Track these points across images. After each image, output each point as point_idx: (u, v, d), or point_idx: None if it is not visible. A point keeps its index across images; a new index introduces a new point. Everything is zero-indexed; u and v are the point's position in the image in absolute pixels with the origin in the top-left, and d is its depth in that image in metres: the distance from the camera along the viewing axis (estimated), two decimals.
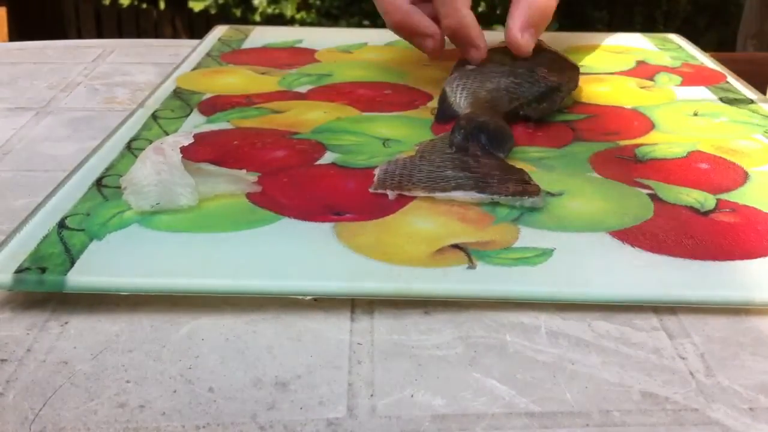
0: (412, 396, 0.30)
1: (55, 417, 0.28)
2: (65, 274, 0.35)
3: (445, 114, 0.53)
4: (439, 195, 0.42)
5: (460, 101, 0.53)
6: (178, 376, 0.31)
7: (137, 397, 0.29)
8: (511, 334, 0.33)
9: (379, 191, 0.42)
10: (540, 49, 0.59)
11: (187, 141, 0.42)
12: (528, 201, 0.41)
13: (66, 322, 0.34)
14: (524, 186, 0.42)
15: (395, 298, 0.35)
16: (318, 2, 3.35)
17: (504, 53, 0.58)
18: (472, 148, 0.46)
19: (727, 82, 0.62)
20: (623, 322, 0.34)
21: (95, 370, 0.31)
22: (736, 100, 0.58)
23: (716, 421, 0.29)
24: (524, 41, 0.56)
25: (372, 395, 0.30)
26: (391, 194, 0.42)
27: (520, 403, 0.29)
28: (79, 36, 3.64)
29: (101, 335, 0.33)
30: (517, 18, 0.56)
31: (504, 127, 0.49)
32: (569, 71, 0.57)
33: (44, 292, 0.35)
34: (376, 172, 0.44)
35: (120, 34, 3.78)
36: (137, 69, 0.69)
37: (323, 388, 0.30)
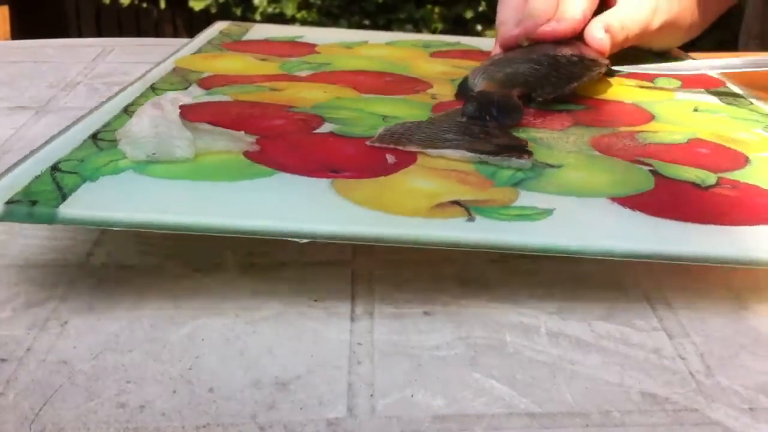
0: (412, 396, 0.30)
1: (55, 417, 0.28)
2: (56, 207, 0.34)
3: (461, 93, 0.55)
4: (431, 151, 0.43)
5: (477, 81, 0.55)
6: (178, 377, 0.31)
7: (137, 397, 0.29)
8: (511, 334, 0.33)
9: (376, 144, 0.43)
10: (571, 41, 0.60)
11: (187, 99, 0.41)
12: (515, 162, 0.42)
13: (66, 322, 0.34)
14: (516, 148, 0.43)
15: (392, 245, 0.34)
16: (318, 1, 3.35)
17: (541, 45, 0.60)
18: (483, 120, 0.48)
19: (727, 87, 0.61)
20: (623, 322, 0.34)
21: (95, 370, 0.31)
22: (736, 101, 0.58)
23: (716, 421, 0.29)
24: (601, 38, 0.61)
25: (372, 395, 0.30)
26: (390, 158, 0.42)
27: (520, 404, 0.29)
28: (80, 35, 3.64)
29: (101, 335, 0.33)
30: (599, 19, 0.62)
31: (512, 98, 0.51)
32: (592, 64, 0.58)
33: (42, 288, 0.35)
34: (379, 129, 0.45)
35: (120, 33, 3.78)
36: (137, 68, 0.69)
37: (323, 388, 0.30)
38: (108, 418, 0.28)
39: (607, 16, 0.62)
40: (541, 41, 0.61)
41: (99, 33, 3.75)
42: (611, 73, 0.62)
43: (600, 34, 0.61)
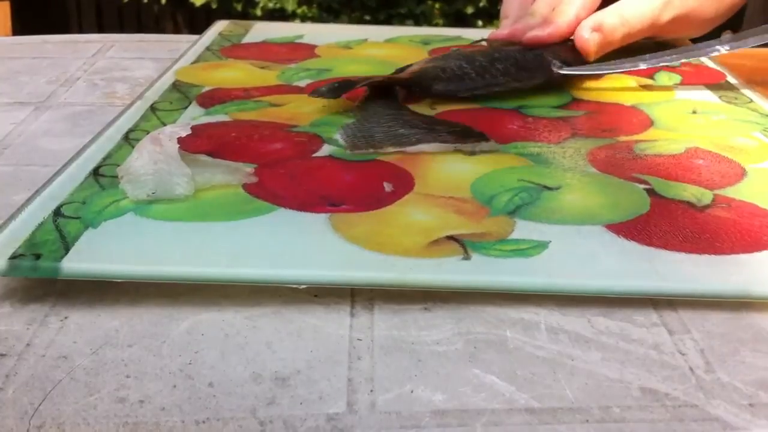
0: (411, 392, 0.30)
1: (54, 412, 0.28)
2: (59, 261, 0.35)
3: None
4: (409, 149, 0.46)
5: (407, 69, 0.59)
6: (177, 371, 0.31)
7: (137, 392, 0.29)
8: (511, 330, 0.33)
9: (356, 152, 0.47)
10: (542, 47, 0.60)
11: (185, 132, 0.42)
12: (486, 145, 0.47)
13: (66, 317, 0.34)
14: (476, 133, 0.48)
15: (389, 288, 0.35)
16: None
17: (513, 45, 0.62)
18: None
19: (727, 81, 0.61)
20: (623, 318, 0.34)
21: (95, 364, 0.31)
22: (735, 98, 0.58)
23: (716, 417, 0.29)
24: (588, 38, 0.60)
25: (372, 391, 0.30)
26: (388, 186, 0.42)
27: (520, 399, 0.29)
28: (80, 30, 3.64)
29: (101, 330, 0.33)
30: (592, 18, 0.61)
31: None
32: (533, 74, 0.59)
33: (41, 283, 0.35)
34: (340, 138, 0.48)
35: (121, 28, 3.77)
36: (137, 64, 0.69)
37: (323, 384, 0.30)
38: (107, 412, 0.28)
39: (604, 13, 0.62)
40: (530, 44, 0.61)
41: (100, 29, 3.75)
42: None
43: (586, 34, 0.60)
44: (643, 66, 0.61)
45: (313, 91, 0.54)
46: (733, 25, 0.72)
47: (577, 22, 0.61)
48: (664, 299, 0.35)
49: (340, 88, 0.53)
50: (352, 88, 0.54)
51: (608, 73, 0.61)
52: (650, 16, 0.62)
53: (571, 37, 0.62)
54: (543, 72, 0.59)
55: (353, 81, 0.55)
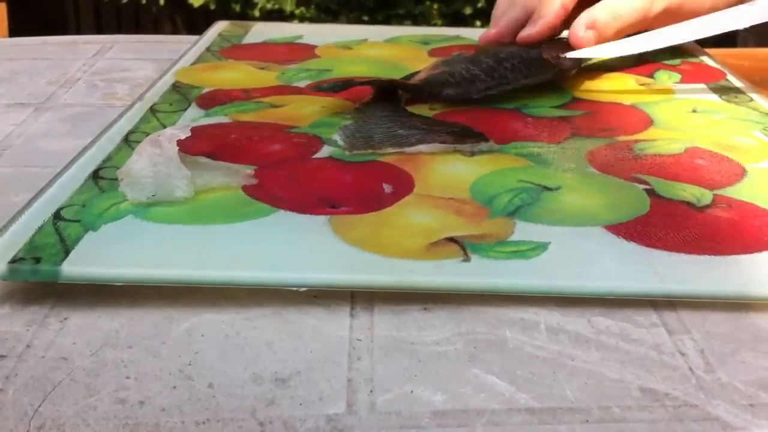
0: (411, 392, 0.30)
1: (54, 413, 0.28)
2: (59, 265, 0.35)
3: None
4: (408, 149, 0.46)
5: (414, 76, 0.59)
6: (177, 372, 0.31)
7: (137, 393, 0.29)
8: (511, 330, 0.33)
9: (355, 152, 0.47)
10: (542, 45, 0.60)
11: (184, 134, 0.42)
12: (485, 146, 0.47)
13: (65, 318, 0.34)
14: (475, 134, 0.48)
15: (389, 290, 0.35)
16: None
17: (517, 46, 0.62)
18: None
19: (727, 80, 0.61)
20: (623, 318, 0.34)
21: (95, 366, 0.31)
22: (735, 97, 0.58)
23: (716, 417, 0.29)
24: (583, 36, 0.60)
25: (372, 391, 0.30)
26: (387, 188, 0.42)
27: (520, 399, 0.29)
28: (78, 31, 3.64)
29: (101, 331, 0.33)
30: (585, 15, 0.61)
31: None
32: (542, 70, 0.59)
33: (41, 284, 0.35)
34: (339, 139, 0.48)
35: (119, 29, 3.77)
36: (137, 65, 0.69)
37: (323, 384, 0.30)
38: (107, 413, 0.28)
39: (596, 9, 0.61)
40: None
41: (98, 30, 3.75)
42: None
43: (581, 32, 0.60)
44: (659, 42, 0.61)
45: (316, 86, 0.54)
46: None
47: (564, 11, 0.61)
48: (663, 299, 0.35)
49: (343, 85, 0.54)
50: (355, 85, 0.54)
51: (620, 55, 0.61)
52: (642, 8, 0.62)
53: (565, 37, 0.62)
54: (551, 67, 0.59)
55: (358, 81, 0.55)
